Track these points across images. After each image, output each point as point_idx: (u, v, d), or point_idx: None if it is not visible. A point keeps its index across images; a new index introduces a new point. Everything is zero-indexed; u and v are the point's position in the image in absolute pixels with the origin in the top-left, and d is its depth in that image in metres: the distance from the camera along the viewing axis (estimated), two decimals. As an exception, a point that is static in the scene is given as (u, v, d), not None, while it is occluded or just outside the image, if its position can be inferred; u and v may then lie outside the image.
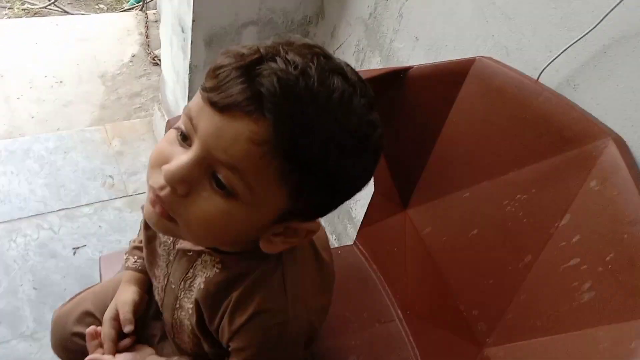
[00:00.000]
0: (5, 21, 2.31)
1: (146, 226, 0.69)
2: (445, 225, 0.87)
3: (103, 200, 1.58)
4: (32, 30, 2.18)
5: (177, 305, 0.66)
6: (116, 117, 1.91)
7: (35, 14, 2.43)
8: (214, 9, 1.23)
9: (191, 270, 0.63)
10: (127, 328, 0.72)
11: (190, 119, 0.48)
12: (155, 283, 0.72)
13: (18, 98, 1.88)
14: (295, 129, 0.44)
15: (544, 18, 0.79)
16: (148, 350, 0.74)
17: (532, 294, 0.75)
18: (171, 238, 0.65)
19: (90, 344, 0.73)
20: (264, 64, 0.45)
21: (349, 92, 0.47)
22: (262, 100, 0.43)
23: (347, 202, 0.54)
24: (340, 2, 1.24)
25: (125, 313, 0.72)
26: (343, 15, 1.24)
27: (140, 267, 0.77)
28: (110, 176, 1.64)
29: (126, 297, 0.74)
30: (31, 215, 1.50)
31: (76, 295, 0.85)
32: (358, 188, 0.53)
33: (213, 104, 0.46)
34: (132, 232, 1.52)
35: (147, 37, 2.26)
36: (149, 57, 2.17)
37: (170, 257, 0.66)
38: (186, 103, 1.40)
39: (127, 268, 0.78)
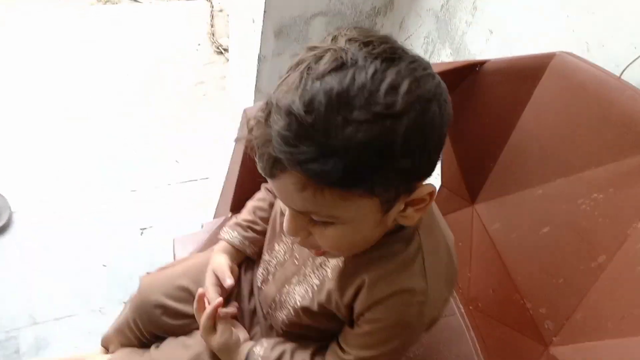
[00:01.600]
0: (79, 9, 2.41)
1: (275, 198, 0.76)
2: (515, 222, 0.86)
3: (170, 184, 1.64)
4: (107, 16, 2.27)
5: (295, 280, 0.71)
6: (184, 105, 1.97)
7: (107, 1, 2.52)
8: (284, 0, 1.25)
9: None
10: (228, 282, 0.77)
11: None
12: (267, 257, 0.76)
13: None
14: (315, 165, 0.47)
15: (628, 13, 0.77)
16: (244, 333, 0.77)
17: (604, 295, 0.73)
18: None
19: (197, 305, 0.77)
20: (266, 131, 0.49)
21: (349, 79, 0.46)
22: (280, 162, 0.49)
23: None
24: (410, -6, 1.24)
25: (224, 272, 0.78)
26: (413, 7, 1.24)
27: (237, 243, 0.83)
28: (177, 161, 1.71)
29: (220, 261, 0.80)
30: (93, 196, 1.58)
31: (163, 267, 0.91)
32: (426, 144, 0.50)
33: (266, 176, 0.53)
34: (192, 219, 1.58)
35: (212, 26, 2.32)
36: (213, 46, 2.23)
37: None
38: (253, 93, 1.44)
39: (226, 240, 0.83)
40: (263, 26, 1.29)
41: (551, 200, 0.81)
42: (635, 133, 0.70)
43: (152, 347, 0.86)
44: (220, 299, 0.75)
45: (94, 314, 1.35)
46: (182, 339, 0.83)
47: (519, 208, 0.86)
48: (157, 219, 1.55)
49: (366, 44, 0.49)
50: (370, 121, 0.46)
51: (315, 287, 0.68)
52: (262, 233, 0.83)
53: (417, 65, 0.50)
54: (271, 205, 0.84)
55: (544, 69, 0.79)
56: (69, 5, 2.44)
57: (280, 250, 0.75)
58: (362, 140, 0.46)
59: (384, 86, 0.46)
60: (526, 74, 0.81)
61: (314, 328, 0.72)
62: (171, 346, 0.83)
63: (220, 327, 0.75)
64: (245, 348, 0.74)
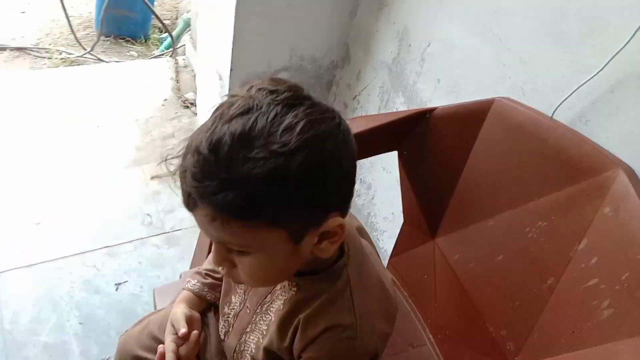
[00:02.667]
0: (45, 71, 2.46)
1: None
2: (473, 252, 0.94)
3: (142, 238, 1.67)
4: (70, 78, 2.32)
5: (249, 329, 0.74)
6: (150, 159, 2.01)
7: (72, 62, 2.58)
8: (249, 58, 1.34)
9: (269, 296, 0.72)
10: (182, 331, 0.78)
11: None
12: (227, 310, 0.80)
13: (58, 143, 2.00)
14: (218, 198, 0.52)
15: (555, 61, 0.88)
16: None
17: (556, 313, 0.81)
18: None
19: None
20: (182, 167, 0.56)
21: (252, 122, 0.53)
22: (192, 197, 0.55)
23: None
24: (364, 48, 1.34)
25: (179, 321, 0.80)
26: (368, 60, 1.34)
27: (197, 290, 0.85)
28: (148, 214, 1.74)
29: (177, 310, 0.82)
30: (77, 254, 1.59)
31: (140, 320, 0.93)
32: (326, 177, 0.56)
33: (186, 209, 0.59)
34: (170, 267, 1.61)
35: (177, 82, 2.39)
36: (180, 100, 2.30)
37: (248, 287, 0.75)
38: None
39: (185, 288, 0.86)
40: (230, 82, 1.37)
41: (502, 230, 0.89)
42: (568, 166, 0.79)
43: None
44: (160, 350, 0.78)
45: (71, 372, 1.35)
46: None
47: (475, 239, 0.94)
48: (132, 274, 1.57)
49: (272, 92, 0.56)
50: (266, 158, 0.52)
51: (264, 332, 0.72)
52: (221, 279, 0.86)
53: (316, 109, 0.56)
54: None
55: (486, 113, 0.89)
56: (35, 66, 2.50)
57: (236, 302, 0.79)
58: (258, 174, 0.51)
59: (281, 128, 0.53)
60: (471, 118, 0.90)
61: None
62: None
63: None
64: None
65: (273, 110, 0.54)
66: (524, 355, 0.85)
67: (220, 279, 0.86)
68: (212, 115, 0.57)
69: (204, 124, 0.57)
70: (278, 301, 0.70)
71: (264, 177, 0.52)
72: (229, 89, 1.39)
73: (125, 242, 1.64)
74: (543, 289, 0.82)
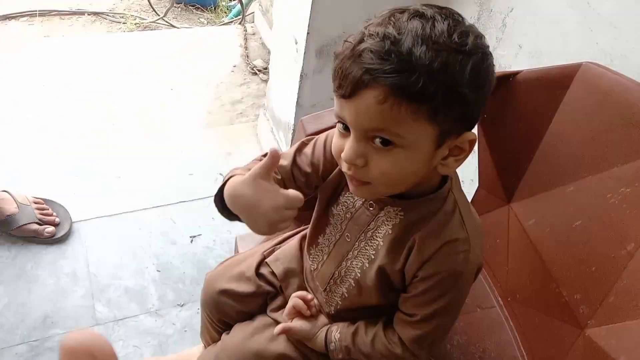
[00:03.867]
0: (120, 35, 2.57)
1: (321, 201, 0.85)
2: (549, 217, 0.95)
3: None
4: (144, 42, 2.42)
5: (350, 255, 0.80)
6: (221, 122, 2.09)
7: (146, 27, 2.67)
8: (326, 22, 1.36)
9: (372, 222, 0.76)
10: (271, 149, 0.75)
11: (339, 117, 0.65)
12: (320, 240, 0.85)
13: (136, 105, 2.10)
14: (400, 77, 0.57)
15: (648, 26, 0.86)
16: (323, 319, 0.87)
17: (634, 278, 0.81)
18: (350, 199, 0.80)
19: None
20: (357, 49, 0.59)
21: (430, 24, 0.59)
22: (369, 73, 0.58)
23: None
24: (441, 14, 1.34)
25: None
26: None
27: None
28: (221, 174, 1.82)
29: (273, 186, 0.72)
30: (154, 207, 1.69)
31: (223, 261, 1.01)
32: (482, 87, 0.63)
33: (344, 97, 0.62)
34: (241, 224, 1.67)
35: (246, 49, 2.45)
36: (248, 68, 2.36)
37: (347, 215, 0.80)
38: (294, 109, 1.55)
39: (238, 174, 0.77)
40: (305, 46, 1.40)
41: (582, 196, 0.89)
42: (657, 132, 0.79)
43: (223, 335, 0.96)
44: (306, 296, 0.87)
45: (150, 315, 1.45)
46: (248, 323, 0.93)
47: (553, 204, 0.94)
48: (206, 228, 1.66)
49: (438, 7, 0.62)
50: (447, 51, 0.58)
51: (372, 256, 0.77)
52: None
53: (476, 29, 0.64)
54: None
55: (572, 77, 0.88)
56: (111, 30, 2.61)
57: (330, 232, 0.84)
58: (440, 63, 0.57)
59: (456, 33, 0.59)
60: (556, 82, 0.90)
61: (372, 301, 0.81)
62: (239, 330, 0.93)
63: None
64: (322, 332, 0.84)
65: (445, 21, 0.60)
66: (598, 319, 0.86)
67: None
68: (379, 19, 0.61)
69: (371, 22, 0.62)
70: (385, 226, 0.76)
71: (443, 67, 0.58)
72: (304, 52, 1.42)
73: (199, 199, 1.73)
74: (622, 254, 0.82)
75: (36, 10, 2.61)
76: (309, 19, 1.35)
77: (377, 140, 0.62)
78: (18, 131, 1.87)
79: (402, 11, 0.61)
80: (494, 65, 0.65)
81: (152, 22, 2.69)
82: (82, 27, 2.64)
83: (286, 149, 1.67)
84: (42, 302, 1.44)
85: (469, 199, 1.12)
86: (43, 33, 2.52)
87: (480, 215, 1.11)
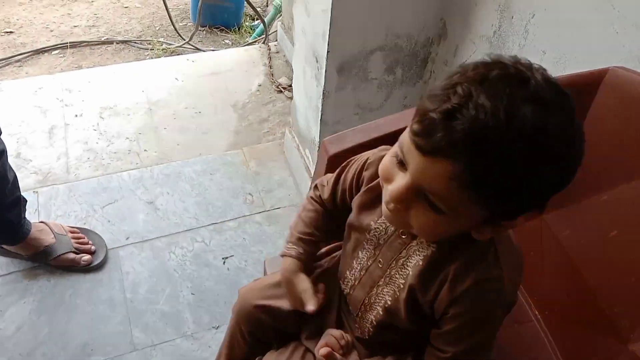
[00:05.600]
0: (149, 61, 2.62)
1: (357, 217, 0.84)
2: (584, 227, 0.92)
3: (245, 215, 1.76)
4: (172, 67, 2.46)
5: (381, 282, 0.79)
6: (248, 141, 2.10)
7: (173, 52, 2.73)
8: (346, 39, 1.36)
9: (404, 251, 0.75)
10: (310, 307, 0.85)
11: (402, 152, 0.62)
12: (355, 264, 0.84)
13: (165, 128, 2.13)
14: (483, 168, 0.54)
15: (677, 26, 0.83)
16: (354, 357, 0.86)
17: (678, 290, 0.78)
18: (383, 224, 0.79)
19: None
20: (457, 114, 0.54)
21: (542, 119, 0.53)
22: (457, 147, 0.54)
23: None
24: (462, 23, 1.33)
25: (306, 295, 0.86)
26: (466, 34, 1.32)
27: (303, 257, 0.90)
28: (250, 194, 1.83)
29: (305, 285, 0.88)
30: (186, 230, 1.72)
31: (256, 279, 1.02)
32: (553, 193, 0.60)
33: (419, 148, 0.58)
34: (271, 243, 1.69)
35: (270, 68, 2.47)
36: (273, 86, 2.37)
37: (380, 241, 0.79)
38: (318, 126, 1.55)
39: (293, 256, 0.90)
40: (327, 64, 1.41)
41: (617, 205, 0.86)
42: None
43: None
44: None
45: (186, 339, 1.47)
46: (282, 351, 0.92)
47: (587, 214, 0.92)
48: (237, 249, 1.67)
49: (556, 88, 0.57)
50: (546, 160, 0.54)
51: (401, 286, 0.76)
52: (319, 242, 0.92)
53: (582, 130, 0.60)
54: (323, 214, 0.92)
55: (599, 82, 0.86)
56: (139, 57, 2.67)
57: (363, 257, 0.83)
58: (531, 171, 0.54)
59: (567, 137, 0.56)
60: (583, 88, 0.88)
61: (401, 329, 0.80)
62: (273, 356, 0.92)
63: None
64: None
65: (561, 114, 0.55)
66: (641, 333, 0.82)
67: (319, 242, 0.91)
68: (494, 73, 0.55)
69: (485, 74, 0.55)
70: (416, 257, 0.74)
71: (531, 174, 0.54)
72: (325, 70, 1.43)
73: (229, 220, 1.75)
74: (663, 264, 0.79)
75: (67, 43, 2.70)
76: (329, 36, 1.35)
77: (428, 200, 0.61)
78: (52, 160, 1.93)
79: (520, 80, 0.55)
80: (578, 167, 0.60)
81: (178, 46, 2.74)
82: (111, 56, 2.71)
83: (312, 166, 1.68)
84: (82, 330, 1.47)
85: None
86: (74, 64, 2.61)
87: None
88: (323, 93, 1.48)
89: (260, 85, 2.39)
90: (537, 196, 0.59)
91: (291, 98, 2.22)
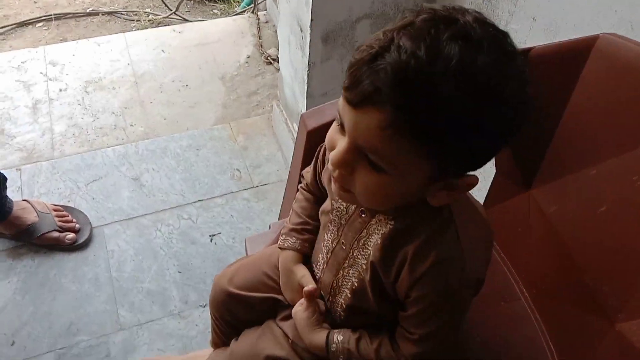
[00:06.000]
0: (134, 33, 2.55)
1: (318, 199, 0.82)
2: (572, 203, 0.88)
3: (232, 192, 1.73)
4: (158, 39, 2.39)
5: (346, 264, 0.76)
6: (237, 115, 2.06)
7: (159, 23, 2.65)
8: (330, 6, 1.30)
9: (365, 230, 0.72)
10: (310, 286, 0.82)
11: (340, 114, 0.59)
12: (322, 247, 0.81)
13: (151, 102, 2.08)
14: (412, 111, 0.51)
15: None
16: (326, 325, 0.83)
17: (667, 268, 0.74)
18: (344, 204, 0.75)
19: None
20: (379, 59, 0.51)
21: (471, 55, 0.50)
22: (381, 92, 0.51)
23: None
24: (451, -10, 1.27)
25: (307, 280, 0.83)
26: (455, 2, 1.27)
27: (298, 247, 0.87)
28: (238, 169, 1.79)
29: (303, 271, 0.85)
30: (172, 207, 1.69)
31: (232, 263, 0.99)
32: (503, 138, 0.56)
33: (349, 102, 0.55)
34: (259, 219, 1.66)
35: (259, 38, 2.40)
36: (262, 57, 2.31)
37: (342, 221, 0.76)
38: (305, 99, 1.50)
39: (288, 248, 0.88)
40: (311, 34, 1.35)
41: (606, 180, 0.82)
42: (686, 107, 0.71)
43: (232, 341, 0.94)
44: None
45: (173, 317, 1.45)
46: (256, 329, 0.90)
47: (575, 189, 0.88)
48: (225, 226, 1.64)
49: (487, 25, 0.53)
50: (478, 97, 0.50)
51: (364, 267, 0.73)
52: (315, 231, 0.88)
53: (526, 72, 0.56)
54: (314, 201, 0.89)
55: (589, 51, 0.81)
56: (125, 28, 2.60)
57: (328, 239, 0.80)
58: (464, 109, 0.50)
59: (500, 75, 0.51)
60: (572, 57, 0.83)
61: (372, 312, 0.77)
62: (247, 336, 0.90)
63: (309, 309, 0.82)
64: (324, 333, 0.80)
65: (493, 53, 0.51)
66: (628, 312, 0.79)
67: (314, 231, 0.87)
68: (420, 19, 0.52)
69: (407, 24, 0.53)
70: (375, 235, 0.71)
71: (465, 113, 0.50)
72: (310, 40, 1.37)
73: (217, 196, 1.71)
74: (652, 242, 0.76)
75: (51, 15, 2.62)
76: (312, 4, 1.29)
77: (368, 159, 0.57)
78: (36, 136, 1.89)
79: (447, 21, 0.52)
80: (529, 112, 0.56)
81: (165, 17, 2.67)
82: (97, 28, 2.64)
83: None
84: (67, 310, 1.46)
85: (487, 186, 1.06)
86: (59, 36, 2.54)
87: (500, 203, 1.05)
88: (308, 64, 1.43)
89: (249, 57, 2.33)
90: (480, 143, 0.55)
91: (280, 70, 2.16)
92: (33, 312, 1.44)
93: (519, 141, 0.94)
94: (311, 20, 1.32)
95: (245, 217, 1.66)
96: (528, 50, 0.89)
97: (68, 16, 2.66)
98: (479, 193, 1.23)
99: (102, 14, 2.69)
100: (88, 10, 2.69)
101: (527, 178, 0.96)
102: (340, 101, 0.58)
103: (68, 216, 1.59)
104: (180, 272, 1.54)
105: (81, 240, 1.57)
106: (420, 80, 0.50)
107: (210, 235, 1.62)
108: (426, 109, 0.50)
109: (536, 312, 0.99)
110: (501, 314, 1.02)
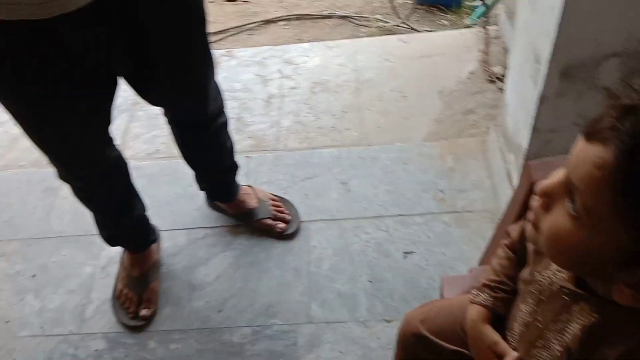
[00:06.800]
0: (362, 40, 2.67)
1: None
2: None
3: (433, 213, 1.72)
4: (384, 47, 2.47)
5: (539, 344, 0.71)
6: (449, 132, 2.03)
7: (388, 31, 2.74)
8: (575, 41, 1.21)
9: (565, 314, 0.67)
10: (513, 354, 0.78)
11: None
12: (517, 316, 0.78)
13: (368, 109, 2.16)
14: (634, 165, 0.47)
15: None
16: None
17: None
18: (546, 279, 0.71)
19: None
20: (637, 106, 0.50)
21: None
22: (616, 130, 0.49)
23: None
24: None
25: (503, 347, 0.79)
26: None
27: (490, 305, 0.84)
28: (441, 190, 1.78)
29: (495, 337, 0.82)
30: (373, 216, 1.74)
31: (425, 304, 1.00)
32: None
33: (582, 132, 0.54)
34: (456, 247, 1.62)
35: (486, 54, 2.33)
36: (486, 74, 2.24)
37: (542, 297, 0.72)
38: (529, 132, 1.42)
39: (478, 303, 0.85)
40: (549, 67, 1.27)
41: None
42: None
43: None
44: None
45: (358, 325, 1.51)
46: None
47: None
48: (420, 246, 1.65)
49: None
50: None
51: (558, 353, 0.67)
52: (511, 292, 0.83)
53: None
54: (515, 261, 0.84)
55: None
56: (354, 33, 2.73)
57: (525, 311, 0.75)
58: None
59: None
60: None
61: None
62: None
63: None
64: None
65: None
66: None
67: (510, 292, 0.83)
68: None
69: None
70: (574, 324, 0.65)
71: None
72: (547, 73, 1.29)
73: (416, 214, 1.72)
74: None
75: (293, 14, 2.89)
76: (556, 37, 1.21)
77: (570, 200, 0.55)
78: (265, 127, 2.10)
79: None
80: None
81: (394, 25, 2.74)
82: (330, 30, 2.83)
83: (514, 174, 1.56)
84: (268, 291, 1.61)
85: None
86: (296, 36, 2.78)
87: None
88: (540, 97, 1.34)
89: (471, 73, 2.28)
90: None
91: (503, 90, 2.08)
92: (241, 288, 1.62)
93: None
94: (552, 53, 1.24)
95: (442, 242, 1.64)
96: None
97: (306, 17, 2.90)
98: None
99: (336, 17, 2.88)
100: (325, 13, 2.90)
101: None
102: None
103: (282, 207, 1.75)
104: (371, 282, 1.59)
105: (290, 231, 1.72)
106: None
107: (404, 252, 1.64)
108: None
109: None
110: None
